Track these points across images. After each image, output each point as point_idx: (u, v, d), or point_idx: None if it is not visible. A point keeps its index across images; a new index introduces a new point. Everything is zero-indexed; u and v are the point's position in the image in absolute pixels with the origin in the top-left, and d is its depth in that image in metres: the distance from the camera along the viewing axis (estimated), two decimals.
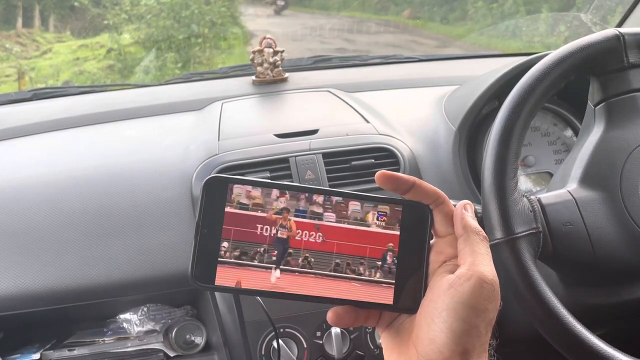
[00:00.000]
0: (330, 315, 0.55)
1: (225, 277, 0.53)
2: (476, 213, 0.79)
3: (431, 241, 0.57)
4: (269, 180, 0.56)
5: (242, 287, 0.54)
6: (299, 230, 0.55)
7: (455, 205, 0.58)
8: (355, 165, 1.05)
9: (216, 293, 1.00)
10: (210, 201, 0.54)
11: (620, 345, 0.72)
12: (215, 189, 0.54)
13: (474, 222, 0.56)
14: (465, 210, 0.57)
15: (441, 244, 0.57)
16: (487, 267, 0.53)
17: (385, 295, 0.56)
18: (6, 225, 1.01)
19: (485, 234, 0.56)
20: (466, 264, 0.53)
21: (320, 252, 0.55)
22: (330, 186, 1.03)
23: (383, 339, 0.58)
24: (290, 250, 0.55)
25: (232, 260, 0.53)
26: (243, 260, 0.54)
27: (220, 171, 1.03)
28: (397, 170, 1.06)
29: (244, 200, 0.54)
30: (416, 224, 0.57)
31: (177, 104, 1.35)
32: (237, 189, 0.54)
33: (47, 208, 1.03)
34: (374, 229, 0.56)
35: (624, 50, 0.80)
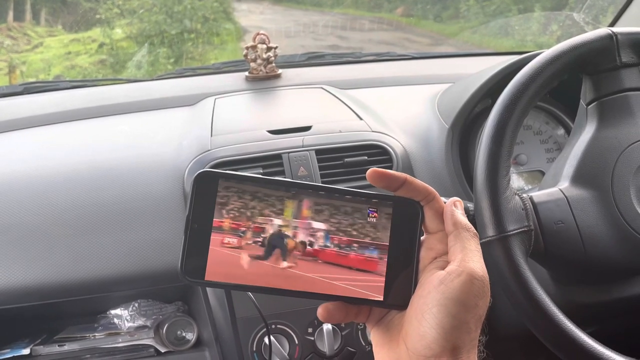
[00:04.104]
0: (320, 311, 0.56)
1: (215, 272, 0.53)
2: (468, 211, 0.80)
3: (422, 238, 0.58)
4: (260, 176, 0.55)
5: (233, 282, 0.54)
6: (290, 226, 0.55)
7: (445, 202, 0.58)
8: (348, 162, 1.05)
9: (207, 289, 1.00)
10: (200, 196, 0.54)
11: (610, 343, 0.73)
12: (206, 184, 0.54)
13: (464, 219, 0.56)
14: (455, 207, 0.57)
15: (432, 240, 0.57)
16: (477, 264, 0.53)
17: (375, 292, 0.56)
18: None
19: (475, 231, 0.56)
20: (456, 261, 0.54)
21: (311, 247, 0.55)
22: (322, 183, 1.03)
23: (373, 335, 0.58)
24: (281, 246, 0.55)
25: (223, 256, 0.53)
26: (233, 255, 0.54)
27: (212, 167, 1.03)
28: (390, 167, 1.06)
29: (235, 195, 0.54)
30: (407, 221, 0.57)
31: (170, 99, 1.35)
32: (228, 184, 0.54)
33: (37, 203, 1.02)
34: (364, 225, 0.56)
35: (616, 49, 0.80)
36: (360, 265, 0.56)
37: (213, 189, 0.54)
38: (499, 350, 1.11)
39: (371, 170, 0.56)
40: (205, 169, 0.55)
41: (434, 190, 0.57)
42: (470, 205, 0.81)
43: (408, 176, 0.57)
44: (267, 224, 0.54)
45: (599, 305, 0.84)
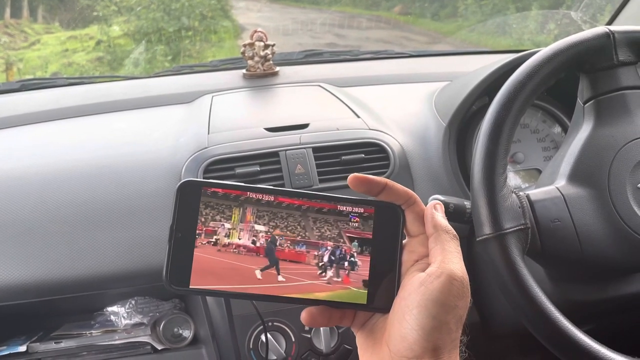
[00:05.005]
0: (304, 316, 0.56)
1: (200, 280, 0.54)
2: (465, 209, 0.80)
3: (403, 241, 0.58)
4: (242, 184, 0.56)
5: (218, 290, 0.54)
6: (273, 233, 0.55)
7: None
8: (345, 160, 1.05)
9: None
10: (184, 205, 0.54)
11: (606, 341, 0.73)
12: (189, 193, 0.54)
13: (444, 221, 0.57)
14: (435, 210, 0.58)
15: (413, 243, 0.58)
16: (456, 265, 0.54)
17: (358, 295, 0.56)
18: None
19: (455, 233, 0.57)
20: (436, 262, 0.54)
21: (294, 253, 0.55)
22: (319, 180, 1.03)
23: (358, 339, 0.59)
24: (265, 253, 0.55)
25: (207, 264, 0.54)
26: (217, 263, 0.54)
27: (209, 164, 1.03)
28: (387, 165, 1.06)
29: (218, 203, 0.54)
30: (389, 225, 0.58)
31: (167, 96, 1.35)
32: (211, 193, 0.54)
33: (34, 200, 1.02)
34: (347, 230, 0.56)
35: (613, 48, 0.81)
36: (343, 269, 0.56)
37: (196, 198, 0.54)
38: (496, 348, 1.11)
39: (352, 175, 0.57)
40: (187, 179, 0.55)
41: (414, 194, 0.58)
42: (467, 203, 0.81)
43: (389, 181, 0.57)
44: (251, 231, 0.55)
45: (596, 303, 0.84)
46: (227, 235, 0.55)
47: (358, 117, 1.16)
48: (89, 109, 1.30)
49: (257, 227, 0.55)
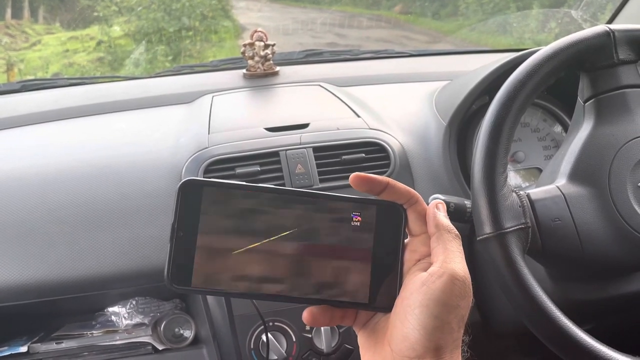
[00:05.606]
0: (305, 316, 0.56)
1: (201, 279, 0.54)
2: (465, 208, 0.80)
3: (405, 240, 0.58)
4: (244, 183, 0.56)
5: (219, 288, 0.54)
6: (275, 232, 0.55)
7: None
8: (345, 160, 1.05)
9: None
10: (185, 204, 0.54)
11: (607, 340, 0.73)
12: (191, 192, 0.54)
13: (446, 221, 0.57)
14: (437, 209, 0.58)
15: (415, 242, 0.58)
16: (458, 265, 0.54)
17: (360, 295, 0.56)
18: None
19: (457, 232, 0.57)
20: (438, 262, 0.54)
21: (295, 252, 0.55)
22: (320, 180, 1.03)
23: (359, 338, 0.59)
24: (267, 251, 0.55)
25: (209, 263, 0.54)
26: (219, 262, 0.54)
27: (209, 164, 1.03)
28: (387, 165, 1.06)
29: (219, 202, 0.54)
30: (391, 224, 0.57)
31: (168, 96, 1.35)
32: (213, 192, 0.54)
33: (34, 201, 1.02)
34: (349, 229, 0.56)
35: (613, 46, 0.80)
36: (344, 269, 0.56)
37: (197, 197, 0.54)
38: (497, 348, 1.11)
39: (354, 175, 0.57)
40: (189, 177, 0.55)
41: (416, 193, 0.58)
42: (468, 203, 0.81)
43: (390, 180, 0.57)
44: (251, 231, 0.54)
45: (596, 303, 0.84)
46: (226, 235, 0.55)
47: (358, 116, 1.16)
48: (89, 110, 1.30)
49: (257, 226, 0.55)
